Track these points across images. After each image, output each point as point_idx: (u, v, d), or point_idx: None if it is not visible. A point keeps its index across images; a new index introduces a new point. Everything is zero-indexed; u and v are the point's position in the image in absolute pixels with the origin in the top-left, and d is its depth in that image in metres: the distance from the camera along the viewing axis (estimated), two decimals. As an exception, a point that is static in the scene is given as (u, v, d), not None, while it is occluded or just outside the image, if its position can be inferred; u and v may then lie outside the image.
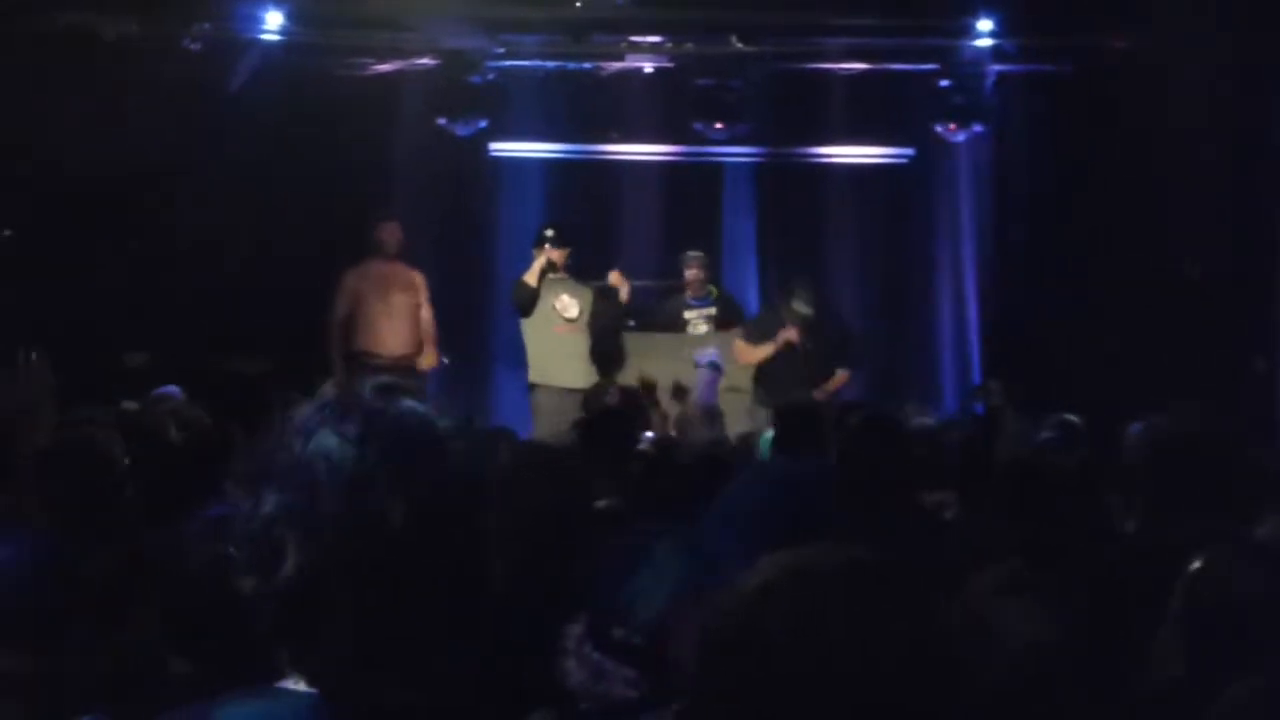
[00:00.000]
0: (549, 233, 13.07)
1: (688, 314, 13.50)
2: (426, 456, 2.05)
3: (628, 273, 13.52)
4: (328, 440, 2.03)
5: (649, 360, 12.92)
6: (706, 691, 1.85)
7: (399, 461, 2.02)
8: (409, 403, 2.12)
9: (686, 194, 15.09)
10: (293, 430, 2.07)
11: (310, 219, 13.25)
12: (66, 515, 4.97)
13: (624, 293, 13.11)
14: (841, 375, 12.67)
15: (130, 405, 9.00)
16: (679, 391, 12.26)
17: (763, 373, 12.62)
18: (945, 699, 1.77)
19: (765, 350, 12.64)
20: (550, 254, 12.93)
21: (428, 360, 12.85)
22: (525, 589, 3.69)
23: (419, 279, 12.87)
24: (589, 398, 10.65)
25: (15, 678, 3.60)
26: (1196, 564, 3.38)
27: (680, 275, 13.66)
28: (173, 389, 9.12)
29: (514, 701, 3.14)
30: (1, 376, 8.38)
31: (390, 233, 12.82)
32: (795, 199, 14.87)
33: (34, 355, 7.56)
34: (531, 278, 12.91)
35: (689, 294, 13.57)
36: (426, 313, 12.86)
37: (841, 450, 5.92)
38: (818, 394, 11.63)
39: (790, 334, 12.55)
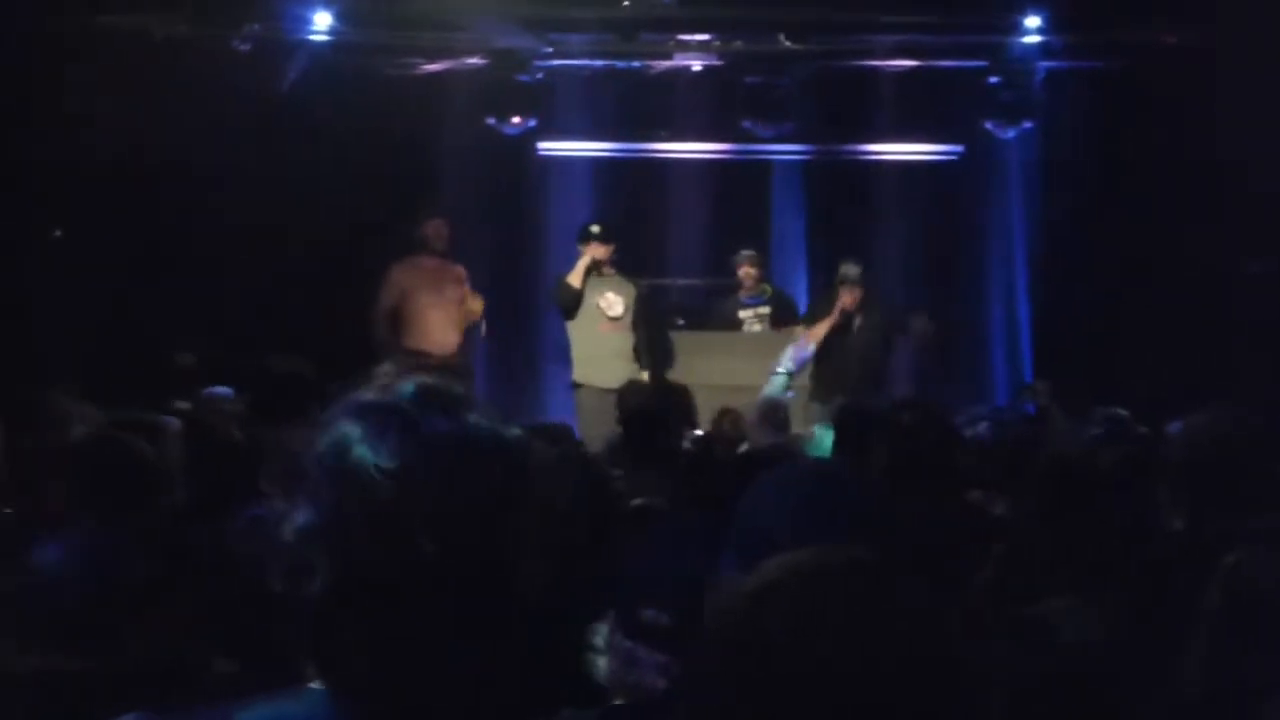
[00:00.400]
0: (594, 229, 12.98)
1: (742, 313, 13.48)
2: (461, 478, 1.99)
3: (675, 271, 13.54)
4: (361, 459, 1.97)
5: (701, 359, 12.86)
6: (707, 690, 1.85)
7: (433, 493, 1.96)
8: (455, 415, 2.03)
9: (735, 192, 15.11)
10: (326, 438, 2.00)
11: (359, 219, 13.32)
12: (107, 514, 4.97)
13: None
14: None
15: (183, 405, 9.05)
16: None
17: (818, 363, 12.67)
18: (946, 701, 1.76)
19: (826, 324, 12.70)
20: (595, 251, 12.84)
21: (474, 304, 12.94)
22: (556, 590, 3.67)
23: (461, 272, 12.89)
24: (622, 396, 10.59)
25: (61, 677, 3.63)
26: (1229, 561, 3.39)
27: (731, 274, 13.65)
28: (225, 390, 9.17)
29: (544, 704, 3.08)
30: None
31: (436, 229, 12.80)
32: (844, 196, 14.87)
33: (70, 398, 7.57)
34: (575, 278, 12.84)
35: (742, 292, 13.55)
36: (472, 303, 12.94)
37: (892, 448, 5.94)
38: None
39: (845, 299, 12.63)
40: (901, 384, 12.98)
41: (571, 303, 12.89)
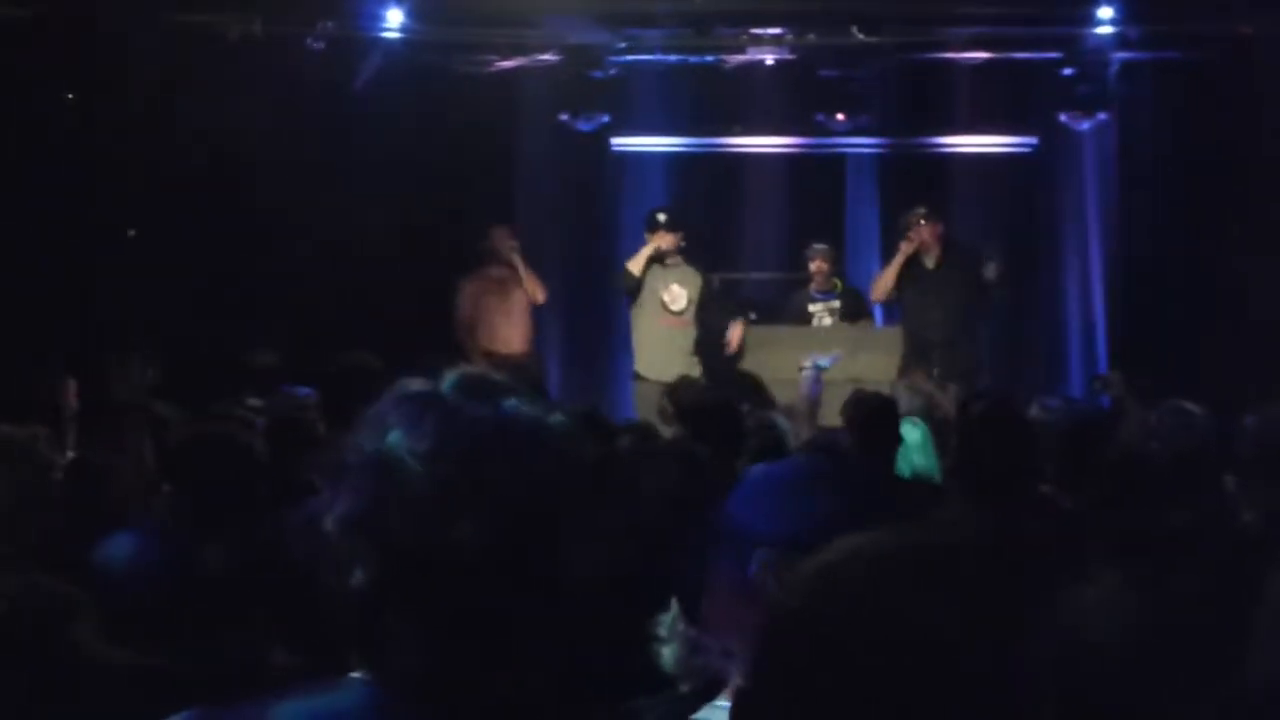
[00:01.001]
0: (660, 216, 13.00)
1: (812, 307, 13.48)
2: (505, 467, 1.96)
3: (750, 265, 13.50)
4: (398, 446, 1.95)
5: (772, 353, 12.77)
6: (765, 671, 1.83)
7: (470, 476, 1.93)
8: (495, 401, 2.02)
9: (809, 186, 15.07)
10: (368, 426, 1.99)
11: (433, 217, 13.41)
12: (202, 510, 5.02)
13: (734, 343, 12.95)
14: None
15: (257, 403, 9.10)
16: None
17: (905, 329, 12.91)
18: (1010, 685, 1.75)
19: (895, 265, 12.89)
20: (660, 239, 12.86)
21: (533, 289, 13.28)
22: (634, 583, 3.47)
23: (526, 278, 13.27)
24: (672, 390, 10.54)
25: (128, 673, 3.68)
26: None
27: (804, 268, 13.67)
28: (309, 390, 9.22)
29: (610, 695, 3.10)
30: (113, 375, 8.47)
31: (502, 238, 13.20)
32: (918, 190, 14.76)
33: (133, 356, 7.62)
34: (636, 264, 12.87)
35: (813, 287, 13.55)
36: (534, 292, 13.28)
37: (962, 439, 5.94)
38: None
39: (917, 233, 12.67)
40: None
41: (632, 289, 12.94)
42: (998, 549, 1.84)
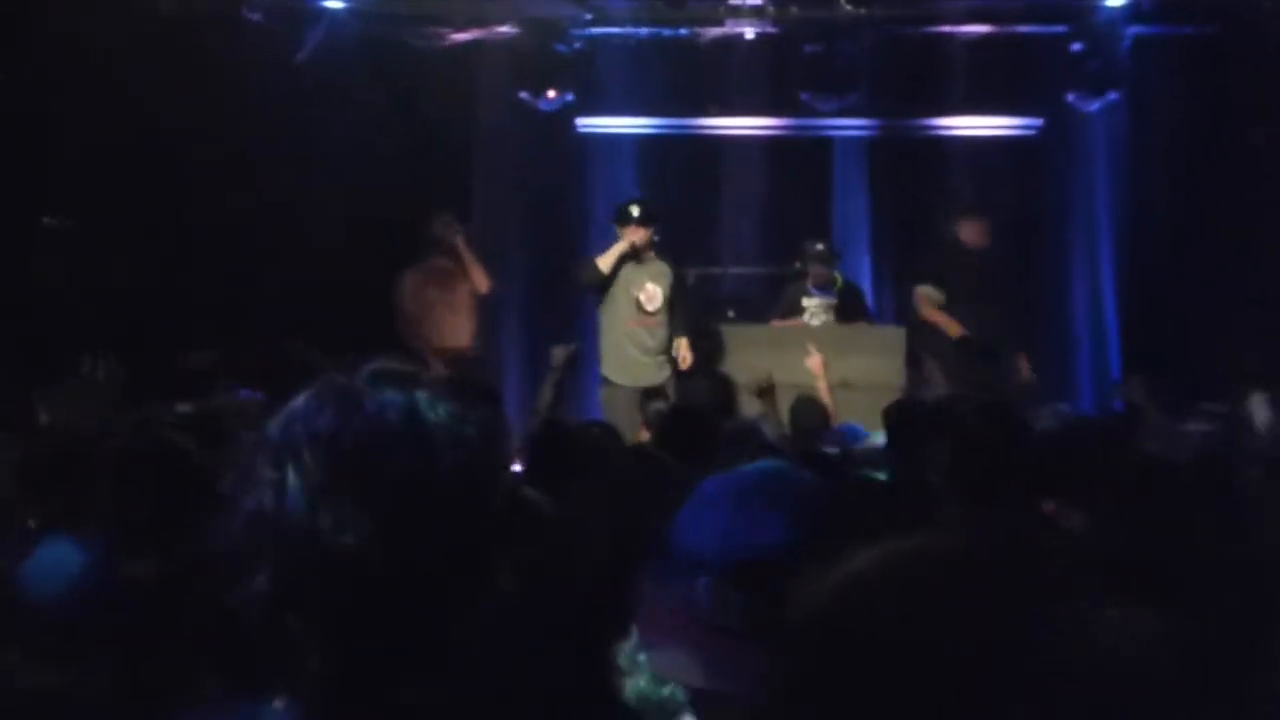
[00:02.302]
0: (634, 210, 12.81)
1: (807, 302, 13.38)
2: (404, 460, 2.00)
3: (728, 259, 13.46)
4: (297, 436, 2.01)
5: (754, 353, 12.60)
6: (799, 677, 1.87)
7: (365, 467, 1.98)
8: (406, 394, 2.07)
9: (793, 172, 15.04)
10: (277, 418, 2.06)
11: (382, 204, 13.31)
12: (135, 523, 5.00)
13: (685, 361, 12.83)
14: None
15: (185, 408, 9.02)
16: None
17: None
18: (1040, 695, 1.77)
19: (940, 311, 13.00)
20: (634, 234, 12.71)
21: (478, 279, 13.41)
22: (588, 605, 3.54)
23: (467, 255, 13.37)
24: (644, 403, 10.37)
25: (42, 693, 3.67)
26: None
27: (794, 259, 13.60)
28: (252, 393, 9.15)
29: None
30: (71, 386, 8.43)
31: (446, 226, 13.31)
32: (912, 175, 14.77)
33: (101, 362, 7.58)
34: (605, 261, 12.73)
35: (811, 282, 13.44)
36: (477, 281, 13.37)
37: (954, 443, 5.89)
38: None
39: (972, 234, 12.76)
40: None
41: (596, 285, 12.84)
42: (1020, 559, 1.90)
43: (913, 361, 12.78)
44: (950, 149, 14.96)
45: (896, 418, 7.92)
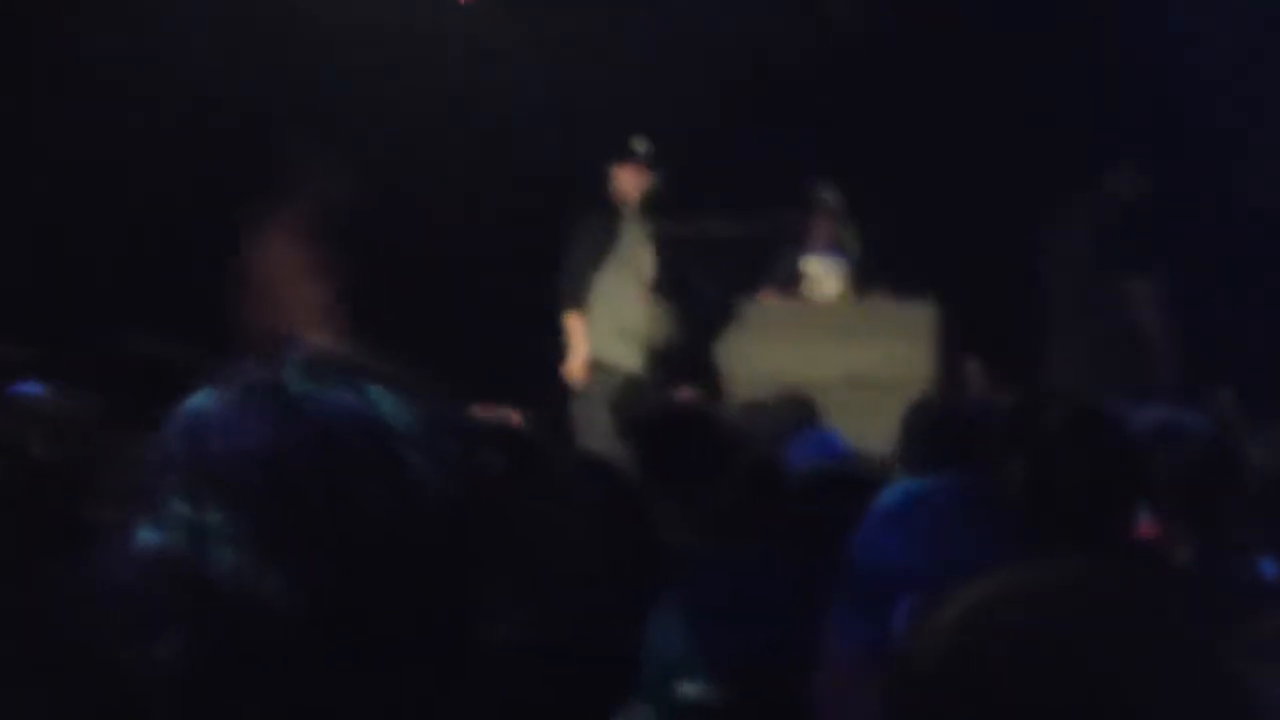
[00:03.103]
0: (637, 146, 11.58)
1: (809, 269, 12.08)
2: (364, 480, 1.78)
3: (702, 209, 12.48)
4: (221, 456, 1.79)
5: (734, 342, 11.74)
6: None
7: (319, 501, 1.75)
8: (358, 391, 1.84)
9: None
10: (176, 431, 1.83)
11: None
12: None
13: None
14: None
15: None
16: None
17: None
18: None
19: None
20: (630, 179, 11.67)
21: None
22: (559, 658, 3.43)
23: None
24: (617, 404, 9.85)
25: None
26: None
27: (788, 215, 12.25)
28: (34, 386, 8.19)
29: None
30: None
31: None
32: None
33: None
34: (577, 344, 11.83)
35: (814, 241, 12.11)
36: None
37: (1035, 457, 5.34)
38: None
39: None
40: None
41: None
42: (1145, 596, 1.97)
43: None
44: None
45: (924, 426, 7.35)
